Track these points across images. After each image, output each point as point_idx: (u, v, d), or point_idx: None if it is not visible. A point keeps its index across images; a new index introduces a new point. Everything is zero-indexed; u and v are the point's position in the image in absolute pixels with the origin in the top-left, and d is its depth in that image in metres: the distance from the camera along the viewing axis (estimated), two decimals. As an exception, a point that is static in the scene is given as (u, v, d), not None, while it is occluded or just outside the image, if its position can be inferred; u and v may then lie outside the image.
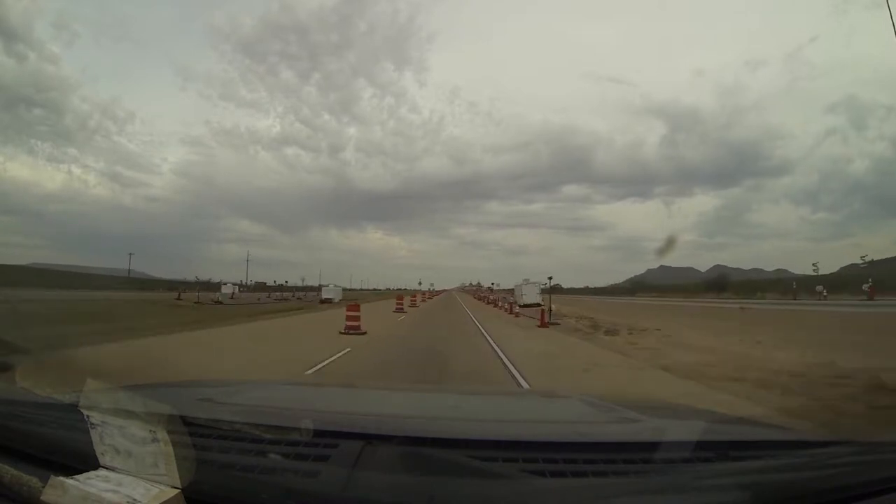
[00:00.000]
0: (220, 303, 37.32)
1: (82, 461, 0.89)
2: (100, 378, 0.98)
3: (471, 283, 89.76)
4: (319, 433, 1.00)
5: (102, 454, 0.88)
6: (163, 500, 0.79)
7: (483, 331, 15.31)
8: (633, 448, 1.10)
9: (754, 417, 1.81)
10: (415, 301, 35.62)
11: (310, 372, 7.37)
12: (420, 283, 72.05)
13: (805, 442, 1.28)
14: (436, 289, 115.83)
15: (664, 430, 1.38)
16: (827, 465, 1.05)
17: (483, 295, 68.04)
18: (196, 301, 36.07)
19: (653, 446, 1.03)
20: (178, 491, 0.81)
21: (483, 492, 0.88)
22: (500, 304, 36.48)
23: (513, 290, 47.23)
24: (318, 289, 59.86)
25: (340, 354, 9.17)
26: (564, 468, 0.96)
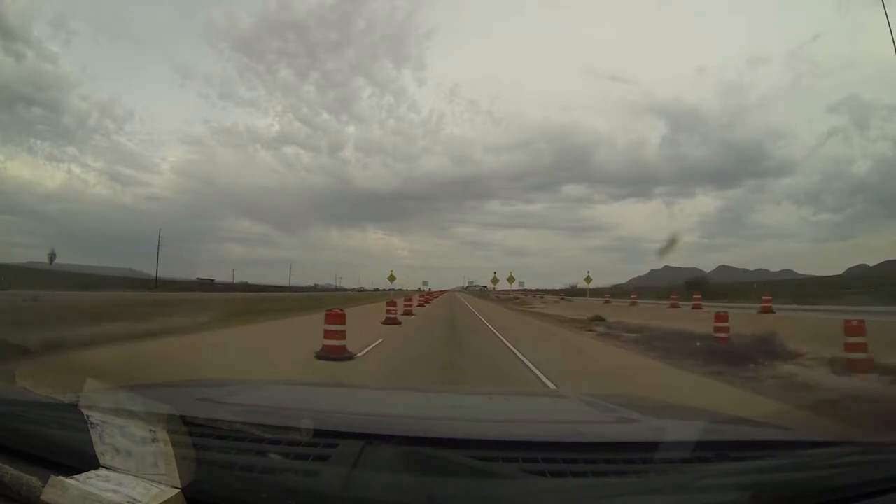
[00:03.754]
0: None
1: (82, 461, 0.89)
2: (100, 378, 0.98)
3: (501, 283, 52.22)
4: (319, 433, 1.00)
5: (102, 454, 0.88)
6: (163, 499, 0.79)
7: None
8: (633, 448, 1.10)
9: (754, 417, 1.81)
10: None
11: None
12: (393, 280, 41.66)
13: (805, 442, 1.28)
14: (431, 289, 77.70)
15: (664, 430, 1.38)
16: (827, 465, 1.05)
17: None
18: None
19: (653, 446, 1.03)
20: (178, 491, 0.81)
21: (483, 492, 0.88)
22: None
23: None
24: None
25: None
26: (564, 468, 0.96)
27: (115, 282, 49.31)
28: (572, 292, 63.76)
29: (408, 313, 21.50)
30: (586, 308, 27.42)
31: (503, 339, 13.21)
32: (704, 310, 22.04)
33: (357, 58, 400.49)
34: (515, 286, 55.99)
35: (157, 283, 58.29)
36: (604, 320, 19.17)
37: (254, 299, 31.65)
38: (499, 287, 54.19)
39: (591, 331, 16.11)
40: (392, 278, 41.84)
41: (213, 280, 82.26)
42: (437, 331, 15.41)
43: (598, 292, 47.53)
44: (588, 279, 46.14)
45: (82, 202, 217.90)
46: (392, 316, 16.82)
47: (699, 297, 25.94)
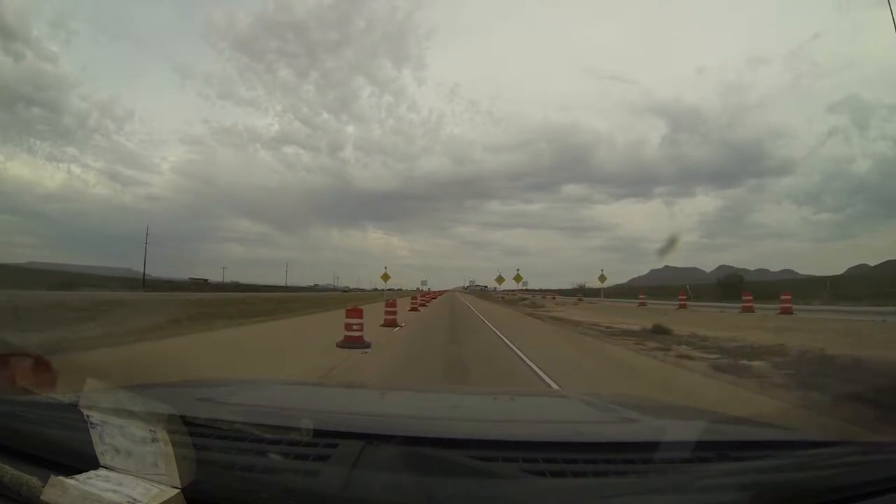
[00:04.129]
0: None
1: (82, 461, 0.89)
2: (100, 378, 0.99)
3: (507, 282, 45.67)
4: (319, 433, 1.00)
5: (102, 454, 0.88)
6: (163, 499, 0.79)
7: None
8: (633, 448, 1.10)
9: (754, 417, 1.81)
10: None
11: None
12: (386, 279, 35.57)
13: (805, 442, 1.28)
14: (430, 289, 71.68)
15: (664, 430, 1.38)
16: (827, 465, 1.05)
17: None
18: None
19: (653, 446, 1.03)
20: (178, 491, 0.81)
21: (483, 492, 0.88)
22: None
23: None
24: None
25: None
26: (564, 468, 0.96)
27: (101, 281, 47.78)
28: (582, 292, 59.23)
29: (390, 324, 15.44)
30: (619, 312, 21.46)
31: (545, 376, 7.69)
32: (794, 314, 17.44)
33: (357, 57, 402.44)
34: (520, 286, 47.83)
35: (144, 283, 55.47)
36: (669, 332, 13.04)
37: (227, 301, 26.55)
38: (504, 287, 48.21)
39: (685, 356, 9.79)
40: (385, 277, 36.30)
41: (206, 280, 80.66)
42: (429, 357, 9.75)
43: (608, 292, 44.13)
44: (602, 278, 41.76)
45: (82, 202, 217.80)
46: (355, 334, 10.32)
47: (788, 297, 19.72)
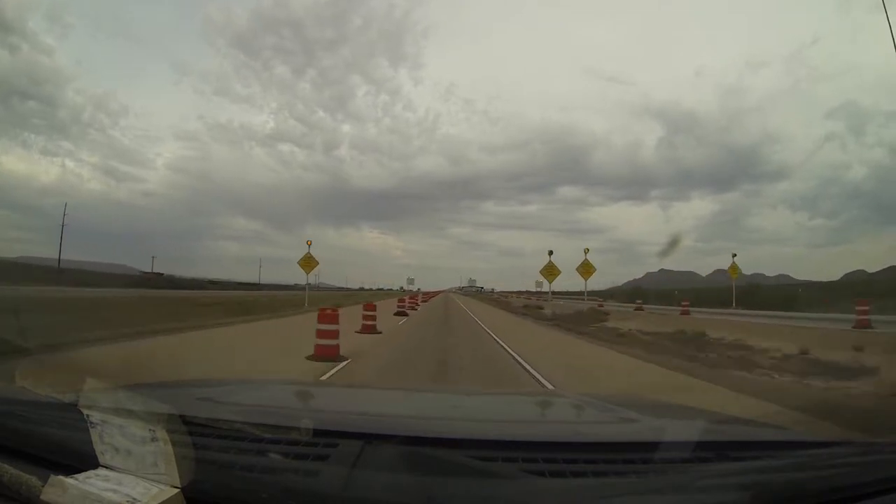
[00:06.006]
0: None
1: (82, 460, 0.89)
2: (100, 377, 0.99)
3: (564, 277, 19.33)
4: (319, 433, 1.00)
5: (102, 453, 0.88)
6: (162, 499, 0.79)
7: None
8: (633, 448, 1.10)
9: (754, 418, 1.82)
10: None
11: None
12: (310, 267, 18.79)
13: (805, 442, 1.28)
14: (420, 289, 64.30)
15: (664, 430, 1.38)
16: (827, 465, 1.05)
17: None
18: None
19: (653, 446, 1.03)
20: (178, 490, 0.81)
21: (483, 492, 0.88)
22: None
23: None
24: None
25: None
26: (564, 468, 0.96)
27: (53, 274, 43.43)
28: (619, 296, 49.20)
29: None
30: None
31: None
32: None
33: (353, 55, 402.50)
34: (524, 287, 26.48)
35: (59, 271, 47.86)
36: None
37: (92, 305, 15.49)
38: (552, 285, 23.50)
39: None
40: (308, 264, 20.49)
41: (161, 273, 73.51)
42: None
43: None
44: (735, 269, 26.06)
45: (77, 197, 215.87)
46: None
47: None
